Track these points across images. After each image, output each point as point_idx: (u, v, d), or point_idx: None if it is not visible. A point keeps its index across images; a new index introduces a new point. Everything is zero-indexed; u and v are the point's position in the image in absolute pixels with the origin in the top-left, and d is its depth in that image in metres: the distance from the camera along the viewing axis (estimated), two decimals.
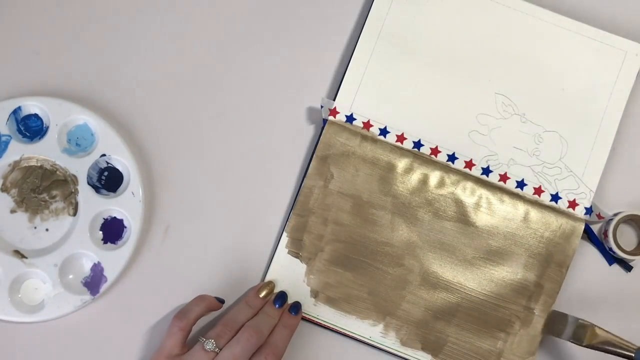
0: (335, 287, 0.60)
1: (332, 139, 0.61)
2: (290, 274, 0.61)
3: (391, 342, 0.60)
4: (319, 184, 0.61)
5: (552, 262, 0.60)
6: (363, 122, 0.62)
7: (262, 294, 0.59)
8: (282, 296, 0.59)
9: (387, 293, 0.60)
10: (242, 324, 0.57)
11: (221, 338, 0.56)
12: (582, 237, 0.61)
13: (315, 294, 0.60)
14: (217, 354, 0.55)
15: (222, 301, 0.60)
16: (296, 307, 0.59)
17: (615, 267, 0.62)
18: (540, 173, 0.62)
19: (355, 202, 0.61)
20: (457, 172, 0.61)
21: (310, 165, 0.61)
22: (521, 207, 0.61)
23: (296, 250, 0.61)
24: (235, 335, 0.56)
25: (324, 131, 0.61)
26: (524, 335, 0.60)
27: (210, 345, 0.55)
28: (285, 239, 0.61)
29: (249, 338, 0.55)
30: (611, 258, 0.62)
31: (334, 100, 0.62)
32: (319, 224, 0.61)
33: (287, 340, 0.57)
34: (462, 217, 0.60)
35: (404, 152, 0.61)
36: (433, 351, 0.60)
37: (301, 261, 0.61)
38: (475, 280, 0.60)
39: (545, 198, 0.62)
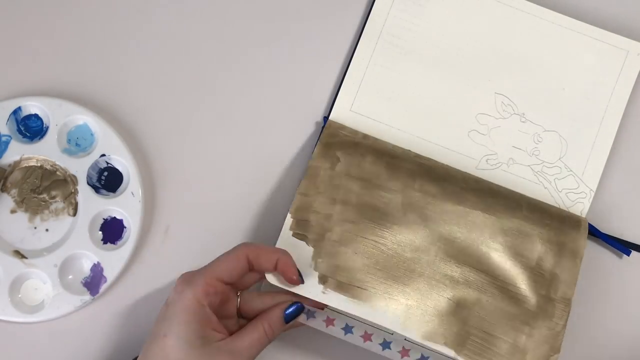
0: (346, 271, 0.56)
1: (335, 132, 0.61)
2: (295, 258, 0.55)
3: (411, 336, 0.56)
4: (325, 166, 0.59)
5: (565, 250, 0.58)
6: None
7: None
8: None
9: (402, 280, 0.56)
10: None
11: None
12: None
13: (324, 280, 0.56)
14: None
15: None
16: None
17: (617, 262, 0.62)
18: (539, 172, 0.62)
19: (364, 185, 0.58)
20: (457, 171, 0.61)
21: (315, 150, 0.59)
22: (525, 203, 0.60)
23: (302, 231, 0.57)
24: None
25: (324, 129, 0.61)
26: (547, 330, 0.57)
27: None
28: (289, 220, 0.57)
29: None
30: (625, 248, 0.61)
31: (335, 99, 0.62)
32: (327, 203, 0.57)
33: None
34: (469, 209, 0.59)
35: (405, 150, 0.61)
36: (457, 346, 0.56)
37: (307, 244, 0.57)
38: (491, 270, 0.58)
39: (545, 197, 0.61)
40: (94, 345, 0.60)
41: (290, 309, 0.54)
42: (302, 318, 0.55)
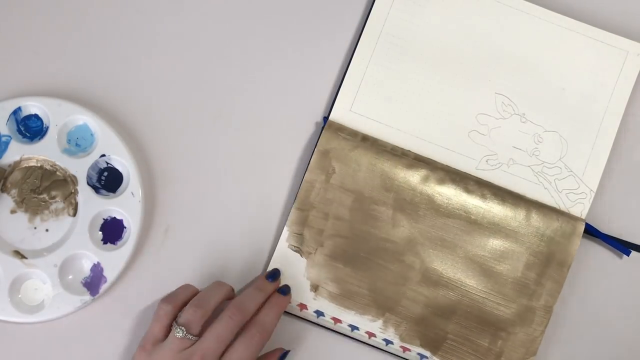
0: (335, 282, 0.60)
1: (334, 135, 0.61)
2: (290, 268, 0.60)
3: (390, 337, 0.60)
4: (320, 178, 0.61)
5: (553, 261, 0.60)
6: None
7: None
8: (275, 273, 0.59)
9: (387, 289, 0.60)
10: (216, 304, 0.55)
11: (192, 323, 0.53)
12: (583, 237, 0.61)
13: (315, 288, 0.60)
14: (195, 342, 0.53)
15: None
16: (285, 289, 0.59)
17: (617, 262, 0.62)
18: (540, 173, 0.62)
19: (357, 198, 0.61)
20: (457, 171, 0.61)
21: (312, 159, 0.61)
22: (522, 207, 0.60)
23: (297, 244, 0.61)
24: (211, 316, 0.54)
25: (324, 129, 0.61)
26: (524, 335, 0.59)
27: (180, 333, 0.53)
28: (286, 233, 0.61)
29: (232, 316, 0.54)
30: (625, 248, 0.62)
31: (335, 99, 0.62)
32: (320, 218, 0.61)
33: (275, 319, 0.56)
34: (464, 214, 0.60)
35: (404, 151, 0.61)
36: (432, 348, 0.60)
37: (301, 255, 0.61)
38: (476, 278, 0.60)
39: (545, 198, 0.61)
40: (93, 346, 0.60)
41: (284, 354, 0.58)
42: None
